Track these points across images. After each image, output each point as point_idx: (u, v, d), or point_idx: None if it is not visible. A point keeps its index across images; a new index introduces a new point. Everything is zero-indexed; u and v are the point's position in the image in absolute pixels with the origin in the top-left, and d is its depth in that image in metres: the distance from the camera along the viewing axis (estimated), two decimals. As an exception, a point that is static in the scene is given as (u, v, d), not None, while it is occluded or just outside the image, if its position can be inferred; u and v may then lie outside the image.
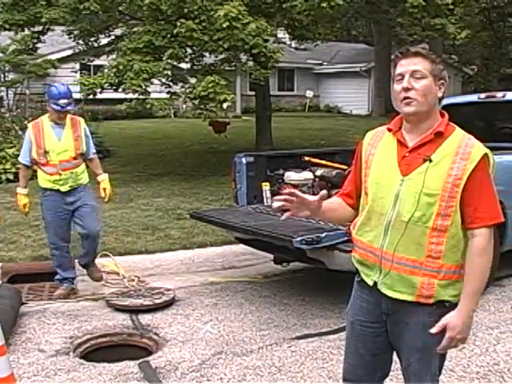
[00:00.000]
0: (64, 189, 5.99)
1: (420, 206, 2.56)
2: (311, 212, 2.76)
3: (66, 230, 6.17)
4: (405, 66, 2.63)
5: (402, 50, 2.69)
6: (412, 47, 2.69)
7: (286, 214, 2.72)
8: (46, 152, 5.91)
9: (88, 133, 6.24)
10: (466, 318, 2.58)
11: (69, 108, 5.97)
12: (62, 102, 5.87)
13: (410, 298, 2.63)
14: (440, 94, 2.67)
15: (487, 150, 2.60)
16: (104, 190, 6.31)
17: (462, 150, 2.56)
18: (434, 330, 2.58)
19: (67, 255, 6.25)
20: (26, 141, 6.07)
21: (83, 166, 6.17)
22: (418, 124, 2.65)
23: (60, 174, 5.94)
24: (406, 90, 2.60)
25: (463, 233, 2.59)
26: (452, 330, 2.57)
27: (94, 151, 6.33)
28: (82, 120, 6.24)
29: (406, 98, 2.61)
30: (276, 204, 2.72)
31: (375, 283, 2.71)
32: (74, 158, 6.03)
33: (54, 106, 5.88)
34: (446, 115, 2.71)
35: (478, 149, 2.57)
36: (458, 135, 2.63)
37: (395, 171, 2.64)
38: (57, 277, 6.24)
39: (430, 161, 2.57)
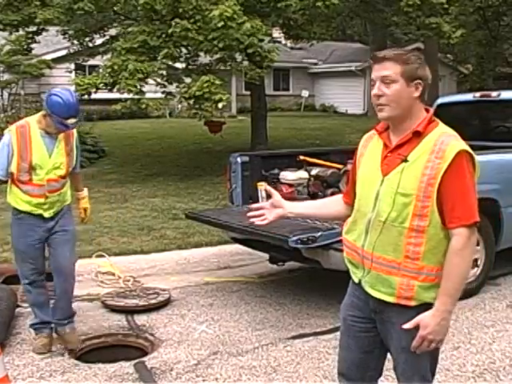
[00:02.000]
0: (48, 214, 4.82)
1: (396, 206, 2.56)
2: (286, 209, 2.97)
3: (42, 260, 4.98)
4: (376, 70, 2.64)
5: (373, 54, 2.68)
6: (381, 52, 2.66)
7: (265, 222, 2.96)
8: (31, 168, 4.63)
9: (78, 142, 5.01)
10: (440, 319, 2.52)
11: (75, 126, 4.80)
12: (71, 121, 4.60)
13: (390, 299, 2.62)
14: (416, 94, 2.61)
15: (464, 148, 2.53)
16: (85, 210, 5.28)
17: (437, 148, 2.52)
18: (407, 326, 2.55)
19: (44, 291, 5.02)
20: (5, 148, 4.62)
21: (68, 183, 4.98)
22: (398, 125, 2.65)
23: (46, 197, 4.74)
24: (378, 96, 2.62)
25: (444, 233, 2.55)
26: (423, 328, 2.53)
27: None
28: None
29: (378, 105, 2.63)
30: (258, 223, 2.97)
31: (360, 281, 2.75)
32: (63, 177, 4.82)
33: (59, 125, 4.59)
34: (431, 112, 2.68)
35: (453, 147, 2.51)
36: (436, 134, 2.58)
37: (377, 171, 2.66)
38: (32, 322, 5.01)
39: (406, 161, 2.57)
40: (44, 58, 22.64)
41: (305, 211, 3.10)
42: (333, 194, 3.04)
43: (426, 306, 2.57)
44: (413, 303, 2.59)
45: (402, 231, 2.55)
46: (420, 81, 2.61)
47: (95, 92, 12.10)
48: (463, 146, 2.53)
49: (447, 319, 2.55)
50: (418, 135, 2.59)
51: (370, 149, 2.76)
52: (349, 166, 2.87)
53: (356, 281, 2.78)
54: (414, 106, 2.62)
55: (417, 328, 2.55)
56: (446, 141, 2.54)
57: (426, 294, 2.58)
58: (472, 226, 2.53)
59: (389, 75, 2.59)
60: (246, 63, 12.79)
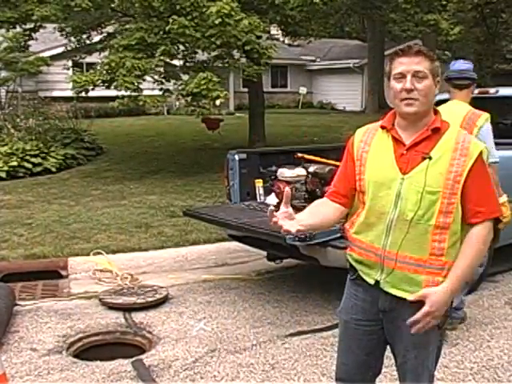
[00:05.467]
0: None
1: (423, 204, 2.54)
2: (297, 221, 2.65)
3: None
4: (406, 64, 2.58)
5: (404, 47, 2.64)
6: (414, 45, 2.66)
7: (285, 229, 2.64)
8: None
9: None
10: (448, 298, 2.57)
11: None
12: None
13: (413, 297, 2.61)
14: (437, 92, 2.67)
15: (484, 146, 2.61)
16: None
17: (460, 145, 2.56)
18: (411, 298, 2.56)
19: None
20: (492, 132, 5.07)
21: None
22: (417, 121, 2.63)
23: None
24: (409, 91, 2.57)
25: (462, 228, 2.59)
26: (431, 305, 2.53)
27: None
28: None
29: (407, 99, 2.58)
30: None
31: (377, 282, 2.69)
32: None
33: None
34: (440, 111, 2.70)
35: (476, 144, 2.58)
36: (454, 131, 2.63)
37: (393, 169, 2.61)
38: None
39: (430, 158, 2.55)
40: (41, 55, 22.63)
41: (310, 221, 2.75)
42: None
43: None
44: None
45: (428, 229, 2.56)
46: (439, 79, 2.66)
47: (92, 89, 12.08)
48: (482, 143, 2.62)
49: (451, 298, 2.61)
50: (436, 132, 2.60)
51: (377, 146, 2.71)
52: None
53: (371, 282, 2.71)
54: (433, 103, 2.66)
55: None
56: (467, 139, 2.60)
57: None
58: (493, 220, 2.60)
59: (421, 70, 2.58)
60: (243, 60, 12.78)
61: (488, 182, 2.60)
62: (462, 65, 5.12)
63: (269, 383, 4.24)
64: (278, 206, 2.68)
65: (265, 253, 6.49)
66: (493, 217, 2.59)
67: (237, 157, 6.43)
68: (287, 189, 2.67)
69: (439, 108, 4.71)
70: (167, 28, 11.20)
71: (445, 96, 8.16)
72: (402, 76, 2.59)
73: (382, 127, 2.73)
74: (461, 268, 2.56)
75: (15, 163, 12.53)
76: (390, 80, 2.66)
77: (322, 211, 2.83)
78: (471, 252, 2.57)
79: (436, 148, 2.57)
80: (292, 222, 2.62)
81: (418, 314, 2.54)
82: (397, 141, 2.66)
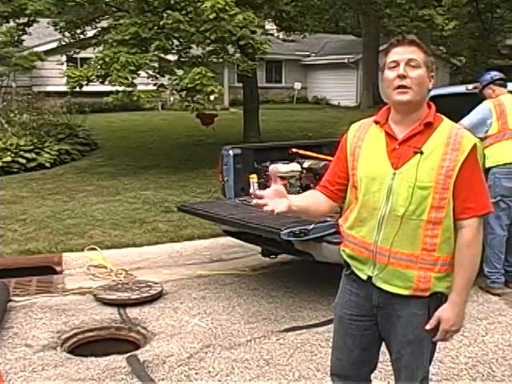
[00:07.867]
0: None
1: (414, 199, 2.53)
2: (290, 201, 2.60)
3: None
4: (400, 53, 2.58)
5: (398, 37, 2.64)
6: (408, 36, 2.65)
7: (278, 210, 2.54)
8: None
9: None
10: (459, 310, 2.61)
11: None
12: None
13: (406, 292, 2.61)
14: (430, 86, 2.65)
15: (477, 140, 2.59)
16: None
17: (452, 140, 2.54)
18: (428, 327, 2.61)
19: None
20: None
21: None
22: (408, 114, 2.61)
23: None
24: (402, 77, 2.55)
25: (454, 224, 2.58)
26: (446, 322, 2.60)
27: None
28: None
29: (400, 87, 2.56)
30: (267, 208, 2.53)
31: (369, 277, 2.68)
32: None
33: None
34: (433, 106, 2.68)
35: (468, 139, 2.56)
36: (447, 126, 2.61)
37: (385, 164, 2.60)
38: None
39: (421, 153, 2.54)
40: (35, 50, 22.53)
41: (302, 203, 2.73)
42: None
43: (437, 295, 2.62)
44: (426, 294, 2.61)
45: (420, 224, 2.55)
46: (433, 74, 2.64)
47: (87, 84, 12.05)
48: (475, 138, 2.59)
49: (464, 308, 2.64)
50: (428, 126, 2.58)
51: (369, 141, 2.69)
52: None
53: (364, 277, 2.70)
54: (426, 97, 2.64)
55: (419, 320, 2.62)
56: (459, 133, 2.57)
57: (440, 284, 2.61)
58: (481, 217, 2.58)
59: (415, 59, 2.56)
60: (238, 55, 12.76)
61: (479, 177, 2.58)
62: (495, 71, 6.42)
63: (263, 379, 4.24)
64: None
65: (259, 248, 6.49)
66: (482, 213, 2.57)
67: (231, 152, 6.42)
68: (272, 166, 2.62)
69: (503, 98, 5.93)
70: (161, 23, 11.17)
71: (440, 91, 8.18)
72: (396, 64, 2.58)
73: (376, 122, 2.71)
74: (462, 276, 2.57)
75: (9, 158, 12.50)
76: (384, 72, 2.64)
77: (314, 199, 2.83)
78: (465, 260, 2.57)
79: (428, 143, 2.55)
80: (283, 200, 2.56)
81: (439, 334, 2.63)
82: (389, 136, 2.64)
